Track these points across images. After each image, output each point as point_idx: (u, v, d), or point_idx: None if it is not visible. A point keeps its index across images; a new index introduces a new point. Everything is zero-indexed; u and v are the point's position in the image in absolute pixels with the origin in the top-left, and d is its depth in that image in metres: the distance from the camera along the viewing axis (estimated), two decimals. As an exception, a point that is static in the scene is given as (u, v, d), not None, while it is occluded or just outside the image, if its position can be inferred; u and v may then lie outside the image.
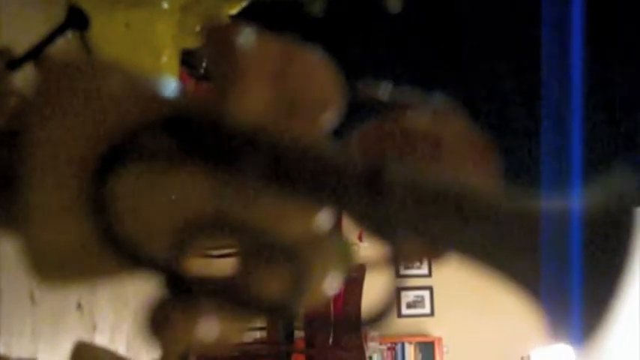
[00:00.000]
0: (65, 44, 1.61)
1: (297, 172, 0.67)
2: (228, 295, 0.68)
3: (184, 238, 0.68)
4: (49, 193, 0.68)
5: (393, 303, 0.69)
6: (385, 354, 6.75)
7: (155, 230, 0.68)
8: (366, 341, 4.60)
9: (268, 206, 0.69)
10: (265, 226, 0.68)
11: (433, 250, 0.73)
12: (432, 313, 7.14)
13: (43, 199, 0.68)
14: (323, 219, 0.70)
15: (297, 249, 0.69)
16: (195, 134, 0.67)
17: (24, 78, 1.46)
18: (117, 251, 0.66)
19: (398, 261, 0.69)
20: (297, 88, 0.72)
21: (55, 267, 0.70)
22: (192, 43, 2.04)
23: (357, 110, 0.77)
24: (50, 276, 0.71)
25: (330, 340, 4.50)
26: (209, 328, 0.68)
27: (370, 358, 6.41)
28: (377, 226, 0.68)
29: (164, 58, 2.08)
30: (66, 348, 1.55)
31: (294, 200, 0.68)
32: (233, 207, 0.68)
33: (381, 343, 6.57)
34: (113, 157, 0.66)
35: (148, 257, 0.66)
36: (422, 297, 7.08)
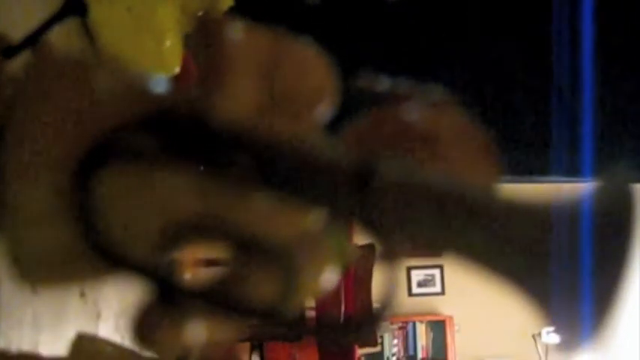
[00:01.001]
0: (65, 31, 1.59)
1: (287, 171, 0.65)
2: (219, 299, 0.66)
3: (172, 240, 0.66)
4: (32, 194, 0.66)
5: (396, 284, 0.67)
6: (396, 333, 6.76)
7: (141, 233, 0.66)
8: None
9: (258, 206, 0.67)
10: (255, 227, 0.67)
11: (429, 249, 0.71)
12: (442, 292, 7.14)
13: (26, 200, 0.66)
14: (315, 218, 0.68)
15: (289, 250, 0.67)
16: (182, 133, 0.65)
17: (21, 66, 1.43)
18: (101, 254, 0.64)
19: (396, 260, 0.67)
20: (288, 81, 0.70)
21: (40, 270, 0.68)
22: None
23: (351, 104, 0.75)
24: (35, 280, 0.70)
25: (341, 320, 4.51)
26: (199, 334, 0.66)
27: (381, 337, 6.42)
28: (370, 225, 0.66)
29: (167, 43, 2.05)
30: (69, 338, 1.54)
31: (284, 199, 0.66)
32: (222, 208, 0.66)
33: (391, 323, 6.56)
34: (96, 157, 0.65)
35: (134, 260, 0.65)
36: (432, 276, 7.07)
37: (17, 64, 1.35)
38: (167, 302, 0.65)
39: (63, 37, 1.63)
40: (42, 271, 0.68)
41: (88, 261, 0.65)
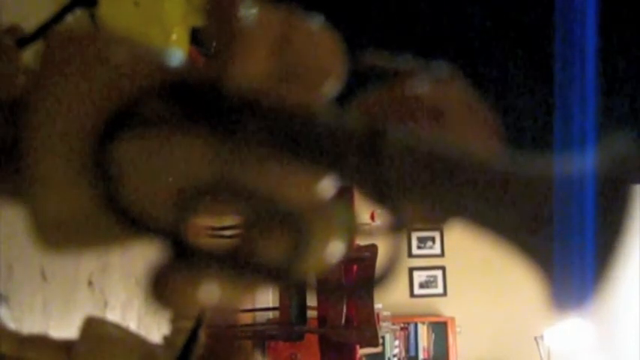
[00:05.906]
0: (73, 22, 1.61)
1: (299, 139, 0.68)
2: (232, 261, 0.69)
3: (187, 204, 0.68)
4: (54, 162, 0.69)
5: (398, 260, 0.69)
6: (398, 334, 6.75)
7: (158, 196, 0.69)
8: (378, 321, 4.60)
9: (271, 172, 0.69)
10: (267, 192, 0.69)
11: (436, 216, 0.73)
12: (444, 293, 7.14)
13: (49, 168, 0.69)
14: (325, 185, 0.71)
15: (300, 215, 0.70)
16: (198, 101, 0.68)
17: (34, 55, 1.46)
18: (120, 217, 0.67)
19: (401, 227, 0.69)
20: (298, 57, 0.72)
21: (62, 236, 0.70)
22: (201, 20, 2.05)
23: (359, 78, 0.77)
24: (57, 245, 0.72)
25: (343, 320, 4.51)
26: (213, 294, 0.68)
27: (383, 338, 6.42)
28: (379, 193, 0.69)
29: (174, 36, 2.08)
30: (77, 325, 1.56)
31: (296, 166, 0.69)
32: (236, 173, 0.69)
33: (393, 323, 6.55)
34: (116, 124, 0.67)
35: (151, 223, 0.67)
36: (434, 277, 7.06)
37: (30, 53, 1.37)
38: (183, 263, 0.67)
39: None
40: (63, 234, 0.70)
41: (108, 224, 0.67)
